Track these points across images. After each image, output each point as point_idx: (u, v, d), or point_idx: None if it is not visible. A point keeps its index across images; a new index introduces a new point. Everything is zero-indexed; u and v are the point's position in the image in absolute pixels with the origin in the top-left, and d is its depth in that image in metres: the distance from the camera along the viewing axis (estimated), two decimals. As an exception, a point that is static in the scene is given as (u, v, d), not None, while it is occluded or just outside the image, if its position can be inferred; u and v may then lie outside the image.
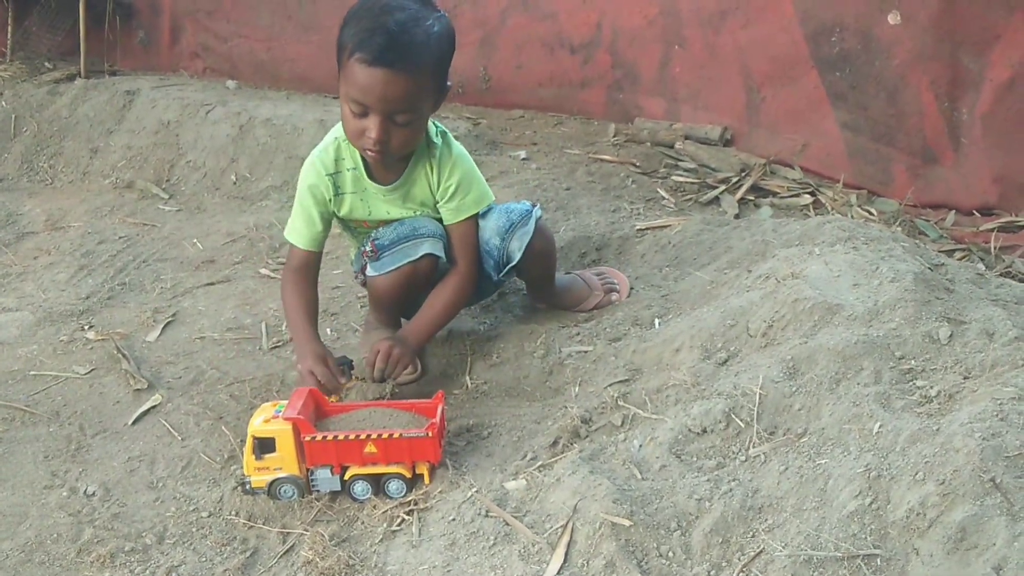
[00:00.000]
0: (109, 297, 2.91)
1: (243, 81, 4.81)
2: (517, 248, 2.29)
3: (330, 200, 2.26)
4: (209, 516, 1.92)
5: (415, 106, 2.07)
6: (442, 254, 2.27)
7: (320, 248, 2.31)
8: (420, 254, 2.22)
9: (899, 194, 3.36)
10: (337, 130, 2.27)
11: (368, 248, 2.27)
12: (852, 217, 3.10)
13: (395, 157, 2.18)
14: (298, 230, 2.28)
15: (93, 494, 2.00)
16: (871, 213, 3.25)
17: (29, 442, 2.17)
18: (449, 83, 2.18)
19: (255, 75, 4.84)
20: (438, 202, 2.28)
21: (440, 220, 2.32)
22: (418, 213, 2.30)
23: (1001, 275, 2.63)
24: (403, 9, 2.03)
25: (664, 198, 3.34)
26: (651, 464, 1.76)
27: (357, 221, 2.34)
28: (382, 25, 1.99)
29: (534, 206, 2.37)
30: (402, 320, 2.40)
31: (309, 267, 2.30)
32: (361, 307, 2.71)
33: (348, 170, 2.26)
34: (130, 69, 5.03)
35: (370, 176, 2.26)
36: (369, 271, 2.28)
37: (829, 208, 3.30)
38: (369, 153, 2.13)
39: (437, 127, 2.30)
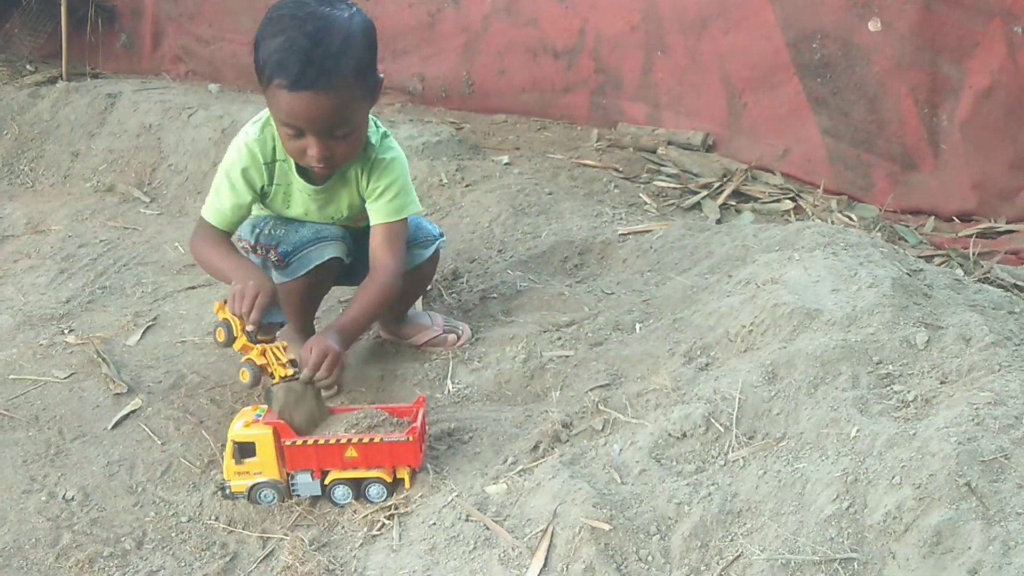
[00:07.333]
0: (89, 301, 2.90)
1: (225, 85, 4.80)
2: (408, 262, 2.30)
3: (262, 187, 2.18)
4: (189, 521, 1.91)
5: (348, 118, 2.01)
6: (346, 257, 2.28)
7: (234, 230, 2.23)
8: (327, 257, 2.22)
9: (879, 200, 3.38)
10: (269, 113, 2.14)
11: (273, 258, 2.22)
12: (832, 223, 3.12)
13: (342, 168, 2.16)
14: (223, 213, 2.16)
15: (72, 499, 1.98)
16: (851, 219, 3.27)
17: (8, 446, 2.15)
18: (380, 75, 2.09)
19: (237, 79, 4.83)
20: (365, 201, 2.23)
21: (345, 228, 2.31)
22: (335, 219, 2.28)
23: (979, 280, 2.66)
24: (313, 17, 1.92)
25: (646, 203, 3.35)
26: (631, 468, 1.77)
27: (272, 210, 2.28)
28: (294, 43, 1.90)
29: (442, 236, 2.45)
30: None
31: (224, 240, 2.20)
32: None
33: (279, 160, 2.17)
34: (112, 72, 5.02)
35: (299, 173, 2.18)
36: (277, 277, 2.21)
37: (810, 213, 3.32)
38: (317, 168, 2.07)
39: (378, 126, 2.23)
